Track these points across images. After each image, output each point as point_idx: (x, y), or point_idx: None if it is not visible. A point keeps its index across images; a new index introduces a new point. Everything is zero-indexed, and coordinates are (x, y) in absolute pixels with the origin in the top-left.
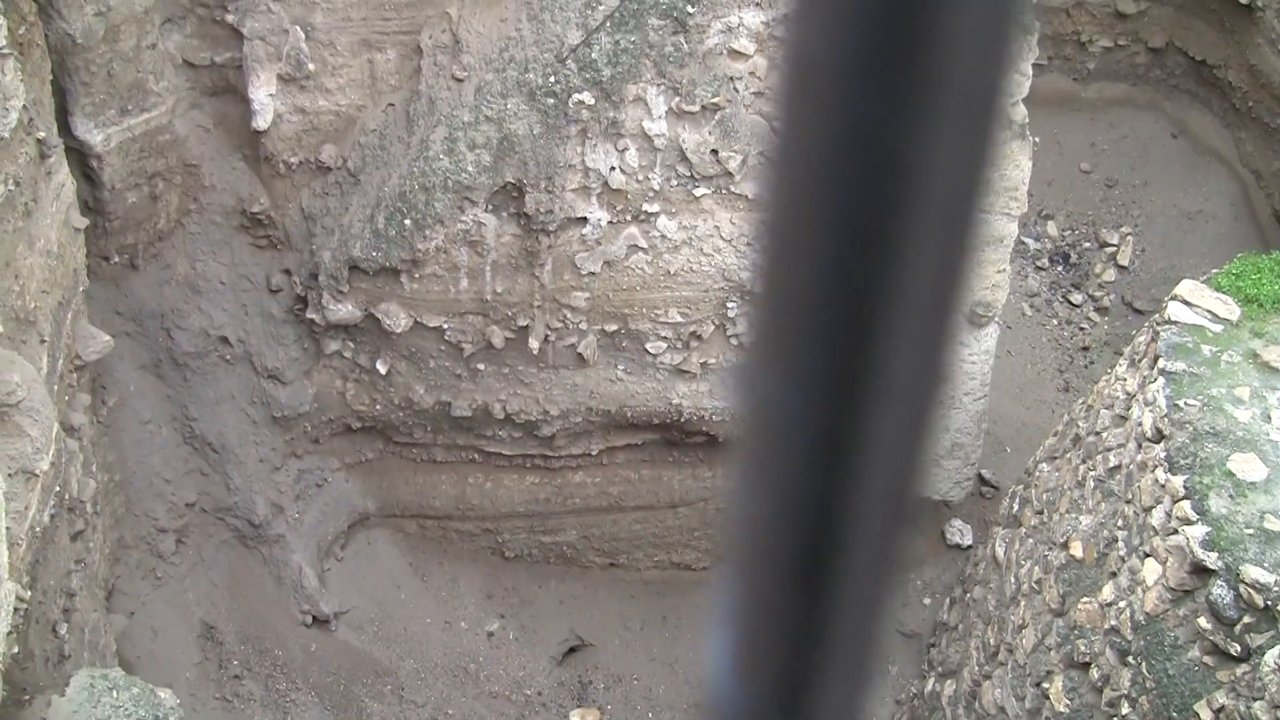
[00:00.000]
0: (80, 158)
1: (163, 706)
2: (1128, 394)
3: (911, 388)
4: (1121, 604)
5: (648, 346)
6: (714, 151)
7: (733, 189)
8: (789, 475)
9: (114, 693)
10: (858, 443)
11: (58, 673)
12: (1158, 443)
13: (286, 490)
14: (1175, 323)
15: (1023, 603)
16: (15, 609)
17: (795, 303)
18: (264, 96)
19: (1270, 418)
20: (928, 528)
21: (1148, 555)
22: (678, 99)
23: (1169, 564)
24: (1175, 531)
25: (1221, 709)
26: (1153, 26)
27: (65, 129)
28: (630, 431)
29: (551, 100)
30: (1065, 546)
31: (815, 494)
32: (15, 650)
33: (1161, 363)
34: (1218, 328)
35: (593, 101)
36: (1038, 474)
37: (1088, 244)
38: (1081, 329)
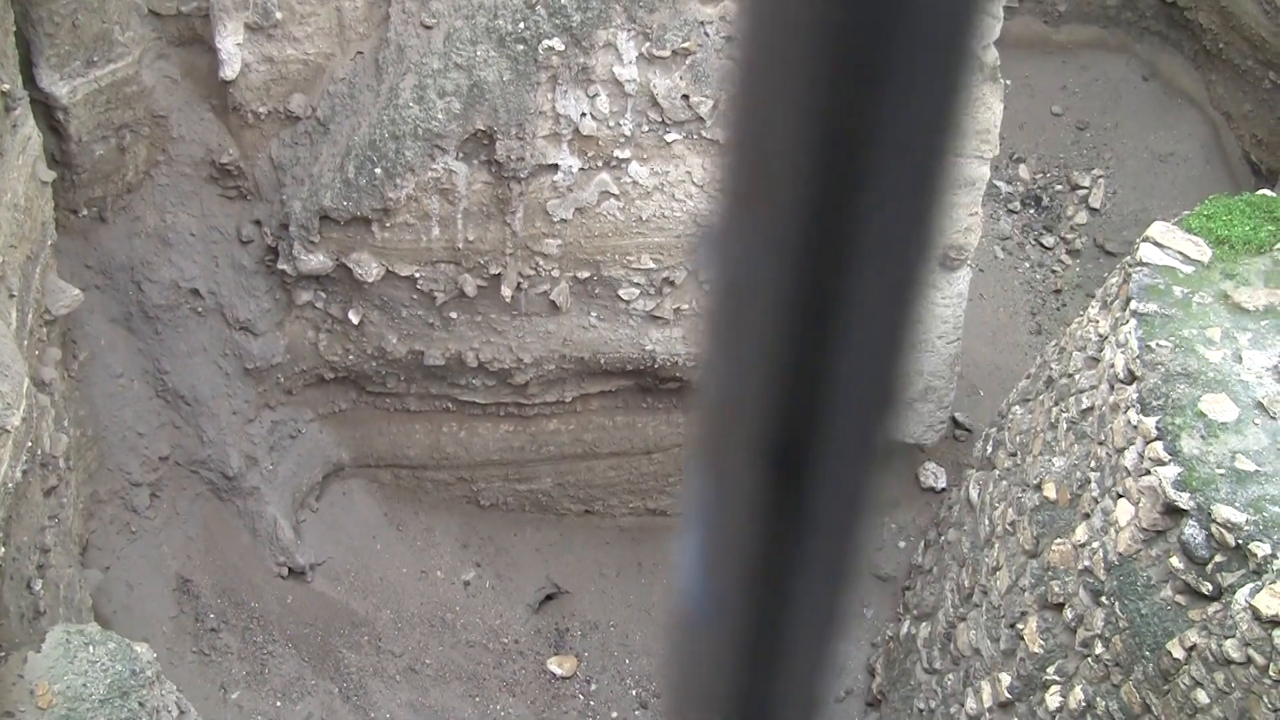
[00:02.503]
0: (46, 110)
1: (139, 660)
2: (1100, 336)
3: (894, 258)
4: (1094, 545)
5: (620, 293)
6: (685, 97)
7: (704, 134)
8: (764, 351)
9: (90, 648)
10: (839, 312)
11: (33, 629)
12: (1130, 384)
13: (260, 442)
14: (1147, 264)
15: (997, 545)
16: None
17: (771, 155)
18: (231, 46)
19: (1241, 358)
20: (901, 471)
21: (1120, 496)
22: (648, 44)
23: (1141, 504)
24: (1147, 472)
25: (1193, 647)
26: None
27: (30, 81)
28: (604, 378)
29: (521, 46)
30: (1038, 488)
31: (792, 371)
32: None
33: (1133, 304)
34: (1189, 269)
35: (563, 47)
36: (1010, 416)
37: (1059, 187)
38: (1053, 271)
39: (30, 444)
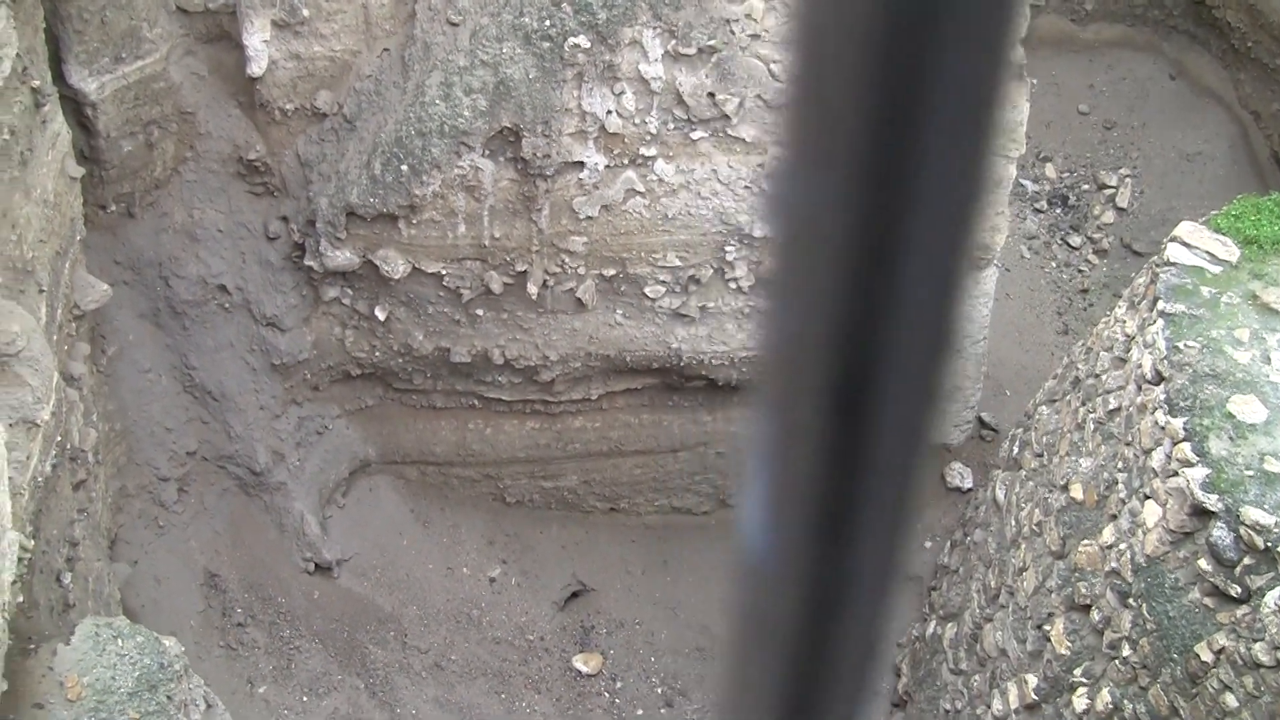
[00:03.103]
0: (75, 106)
1: (167, 654)
2: (1127, 336)
3: (949, 204)
4: (1122, 546)
5: (646, 291)
6: (711, 94)
7: (730, 132)
8: (826, 292)
9: (119, 641)
10: (898, 257)
11: (62, 621)
12: (1157, 385)
13: (287, 438)
14: (1174, 264)
15: (1023, 545)
16: (19, 558)
17: (830, 105)
18: (259, 42)
19: (1270, 359)
20: (927, 471)
21: (1148, 497)
22: (674, 42)
23: (1169, 506)
24: (1175, 473)
25: (1222, 650)
26: None
27: (60, 77)
28: (629, 376)
29: (547, 44)
30: (1065, 489)
31: (854, 312)
32: (20, 599)
33: (1161, 304)
34: (1217, 269)
35: (589, 45)
36: (1037, 417)
37: (1086, 186)
38: (1080, 271)
39: (59, 438)
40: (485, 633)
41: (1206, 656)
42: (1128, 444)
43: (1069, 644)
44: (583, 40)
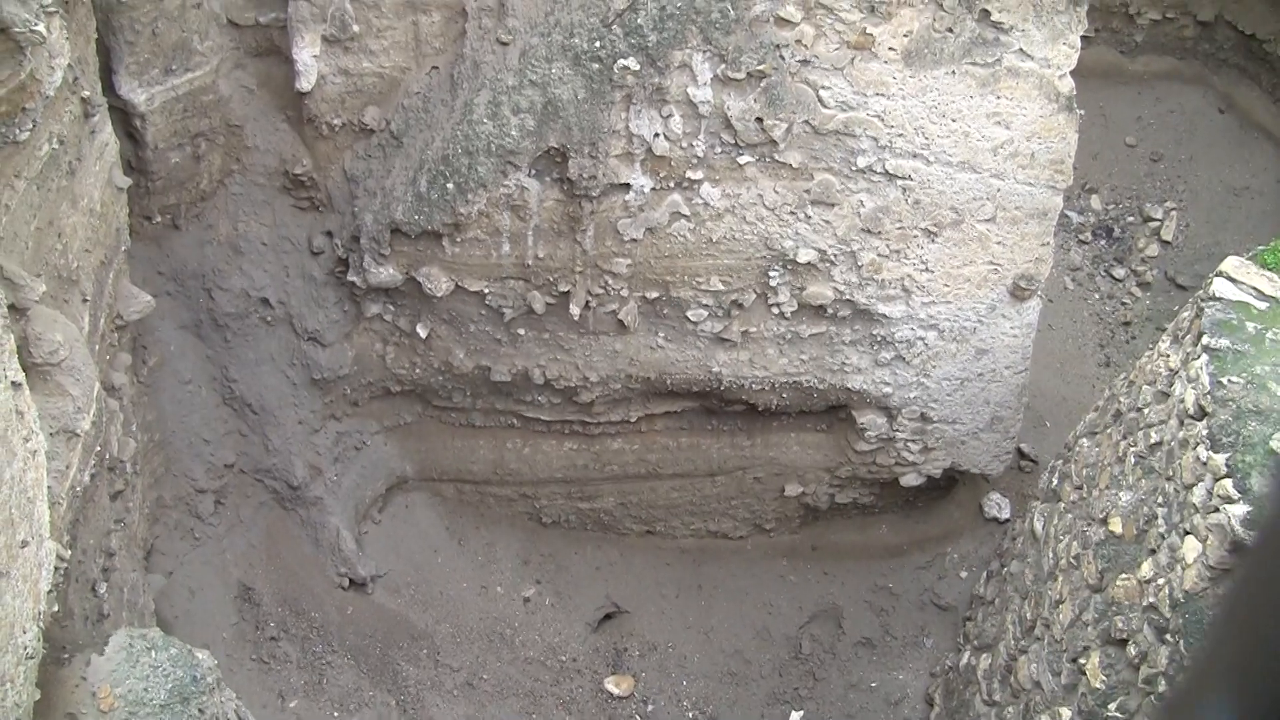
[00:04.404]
0: (123, 117)
1: (200, 667)
2: (1170, 370)
3: None
4: (1160, 581)
5: (688, 314)
6: (759, 119)
7: (777, 157)
8: None
9: (152, 652)
10: None
11: (96, 631)
12: (1200, 420)
13: (325, 452)
14: (1219, 299)
15: (1060, 578)
16: (56, 568)
17: None
18: (308, 58)
19: None
20: (965, 501)
21: (1188, 533)
22: (723, 66)
23: (1209, 542)
24: (1216, 509)
25: None
26: None
27: (109, 88)
28: (669, 399)
29: (596, 65)
30: (1104, 522)
31: None
32: (56, 609)
33: (1205, 339)
34: (1263, 305)
35: (638, 67)
36: (1077, 449)
37: (1131, 218)
38: (1123, 304)
39: (99, 448)
40: (518, 652)
41: None
42: (1168, 479)
43: (1104, 678)
44: (632, 63)
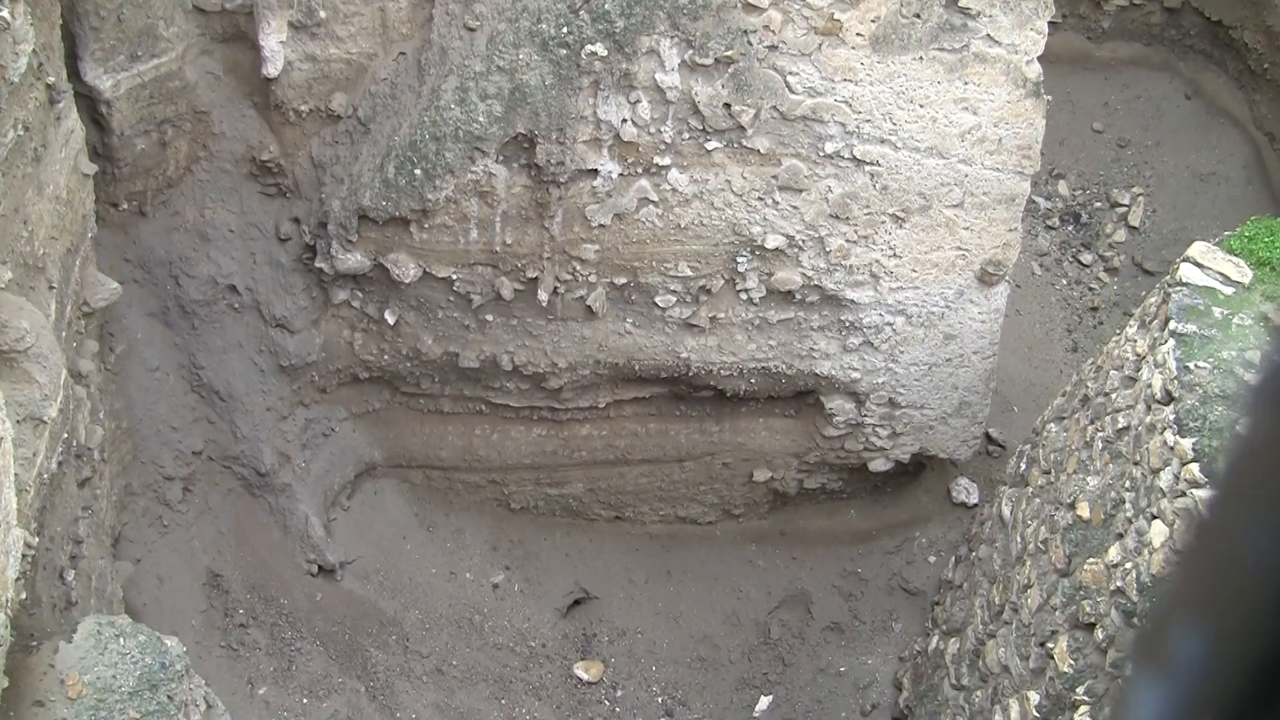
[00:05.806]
0: (89, 104)
1: (169, 654)
2: (1137, 355)
3: None
4: (1128, 565)
5: (656, 300)
6: (726, 105)
7: (745, 143)
8: None
9: (121, 640)
10: None
11: (65, 619)
12: (1167, 405)
13: (293, 439)
14: (1186, 284)
15: (1028, 562)
16: (23, 555)
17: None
18: (275, 43)
19: None
20: (934, 486)
21: (1155, 517)
22: (691, 51)
23: (1176, 526)
24: (1183, 494)
25: None
26: None
27: (74, 74)
28: (638, 385)
29: (564, 51)
30: (1072, 507)
31: None
32: (23, 596)
33: (1172, 324)
34: (1229, 290)
35: (605, 53)
36: (1045, 434)
37: (1099, 204)
38: (1091, 289)
39: (66, 435)
40: (487, 638)
41: None
42: (1136, 463)
43: (1072, 662)
44: (600, 48)
